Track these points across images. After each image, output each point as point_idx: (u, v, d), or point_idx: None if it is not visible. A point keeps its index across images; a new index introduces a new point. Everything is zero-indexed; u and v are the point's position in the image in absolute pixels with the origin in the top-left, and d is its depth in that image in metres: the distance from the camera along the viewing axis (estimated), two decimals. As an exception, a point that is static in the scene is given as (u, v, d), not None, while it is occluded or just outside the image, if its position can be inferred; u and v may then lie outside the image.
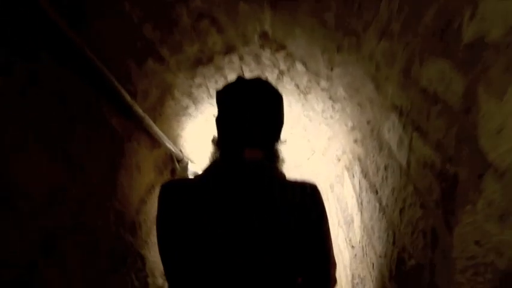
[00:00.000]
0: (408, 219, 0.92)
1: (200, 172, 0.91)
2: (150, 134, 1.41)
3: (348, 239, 1.81)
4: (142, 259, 1.33)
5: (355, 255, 1.60)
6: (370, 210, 1.29)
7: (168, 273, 0.86)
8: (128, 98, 1.17)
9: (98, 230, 1.04)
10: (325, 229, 0.88)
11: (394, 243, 1.04)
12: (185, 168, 1.66)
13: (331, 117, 1.70)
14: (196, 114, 1.74)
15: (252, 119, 0.85)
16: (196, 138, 1.99)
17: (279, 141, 0.94)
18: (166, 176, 1.64)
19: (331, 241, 0.90)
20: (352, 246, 1.69)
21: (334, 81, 1.39)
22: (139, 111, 1.25)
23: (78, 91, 0.96)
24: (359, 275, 1.50)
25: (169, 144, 1.58)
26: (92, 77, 0.98)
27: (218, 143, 0.90)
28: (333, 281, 0.89)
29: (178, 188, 0.85)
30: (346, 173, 1.86)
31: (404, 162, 0.95)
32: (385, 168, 1.12)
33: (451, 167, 0.66)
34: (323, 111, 1.71)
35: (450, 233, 0.66)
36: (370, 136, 1.29)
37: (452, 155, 0.66)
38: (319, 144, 2.20)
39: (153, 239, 1.46)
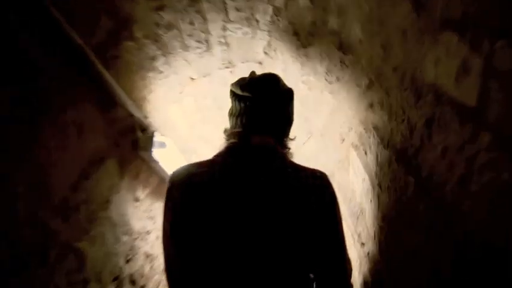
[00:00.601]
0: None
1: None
2: (100, 87, 1.03)
3: (355, 235, 1.45)
4: (79, 255, 0.94)
5: (368, 253, 1.24)
6: (398, 191, 0.94)
7: (178, 270, 0.86)
8: (62, 21, 0.80)
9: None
10: (338, 216, 0.89)
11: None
12: (150, 140, 1.28)
13: (338, 79, 1.35)
14: (168, 73, 1.37)
15: (262, 111, 0.89)
16: (169, 107, 1.61)
17: (288, 137, 0.99)
18: (125, 149, 1.26)
19: (343, 233, 0.92)
20: (362, 244, 1.33)
21: (348, 16, 1.04)
22: (81, 44, 0.87)
23: None
24: (374, 281, 1.15)
25: (130, 107, 1.20)
26: None
27: (229, 133, 0.93)
28: (349, 274, 0.91)
29: (189, 179, 0.84)
30: (353, 153, 1.51)
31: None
32: (428, 122, 0.78)
33: None
34: (328, 71, 1.36)
35: None
36: (398, 87, 0.95)
37: None
38: (318, 123, 1.85)
39: (101, 227, 1.07)
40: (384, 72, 1.04)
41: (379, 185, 1.12)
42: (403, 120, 0.93)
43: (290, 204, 0.81)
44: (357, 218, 1.42)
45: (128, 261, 1.26)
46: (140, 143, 1.28)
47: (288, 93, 0.94)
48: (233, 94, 0.92)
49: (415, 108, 0.85)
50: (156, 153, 1.33)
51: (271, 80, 0.92)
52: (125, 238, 1.24)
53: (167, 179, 1.67)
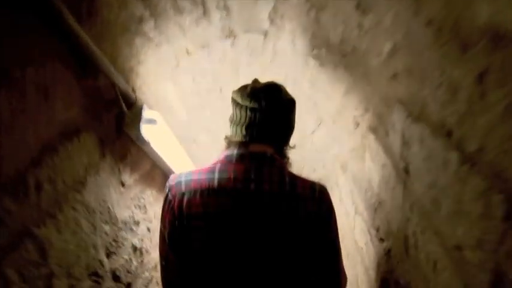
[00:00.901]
0: None
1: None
2: (75, 48, 0.87)
3: (372, 230, 1.26)
4: (40, 244, 0.77)
5: (389, 250, 1.06)
6: (434, 172, 0.75)
7: (176, 276, 0.90)
8: None
9: None
10: (335, 228, 0.91)
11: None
12: (137, 115, 1.11)
13: (354, 49, 1.16)
14: (160, 41, 1.20)
15: (265, 122, 0.89)
16: (163, 85, 1.44)
17: (288, 146, 0.99)
18: (109, 125, 1.09)
19: (339, 245, 0.92)
20: (381, 239, 1.15)
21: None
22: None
23: None
24: (398, 281, 0.96)
25: (114, 77, 1.03)
26: None
27: (229, 141, 0.95)
28: (343, 286, 0.93)
29: (187, 187, 0.85)
30: (370, 138, 1.32)
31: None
32: (481, 77, 0.59)
33: None
34: (343, 40, 1.18)
35: None
36: (433, 44, 0.76)
37: None
38: (330, 107, 1.66)
39: (73, 213, 0.91)
40: (414, 29, 0.85)
41: (406, 169, 0.93)
42: (440, 84, 0.74)
43: (286, 215, 0.83)
44: (375, 210, 1.23)
45: (109, 254, 1.09)
46: (126, 119, 1.12)
47: (291, 103, 0.94)
48: (236, 103, 0.92)
49: (459, 64, 0.67)
50: (146, 132, 1.16)
51: (275, 91, 0.91)
52: (106, 227, 1.08)
53: (161, 165, 1.52)
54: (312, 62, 1.41)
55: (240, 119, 0.91)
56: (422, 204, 0.82)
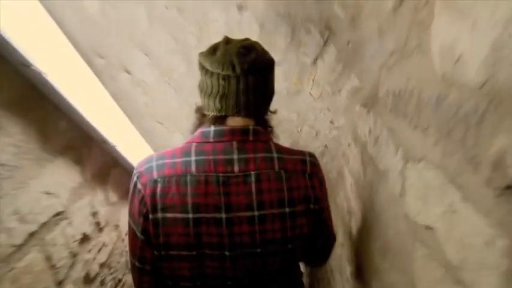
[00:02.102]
0: None
1: None
2: None
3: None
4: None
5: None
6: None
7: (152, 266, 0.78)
8: None
9: None
10: (327, 196, 0.89)
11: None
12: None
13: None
14: None
15: (243, 90, 0.77)
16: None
17: (269, 112, 0.89)
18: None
19: (331, 213, 0.93)
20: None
21: None
22: None
23: None
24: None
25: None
26: None
27: (202, 113, 0.84)
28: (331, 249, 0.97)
29: (160, 172, 0.74)
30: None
31: None
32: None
33: None
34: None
35: None
36: None
37: None
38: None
39: None
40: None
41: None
42: None
43: (277, 196, 0.77)
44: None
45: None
46: None
47: (270, 65, 0.81)
48: (205, 70, 0.78)
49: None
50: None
51: (250, 51, 0.77)
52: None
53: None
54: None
55: (212, 88, 0.78)
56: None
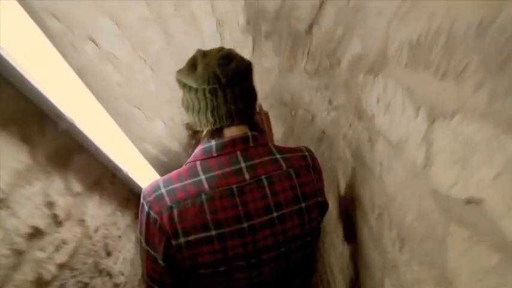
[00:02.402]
0: None
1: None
2: None
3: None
4: None
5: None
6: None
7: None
8: None
9: None
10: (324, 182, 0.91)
11: None
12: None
13: None
14: None
15: (227, 98, 0.77)
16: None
17: (255, 112, 0.89)
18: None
19: None
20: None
21: None
22: None
23: None
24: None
25: None
26: None
27: (193, 130, 0.91)
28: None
29: (172, 197, 0.73)
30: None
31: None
32: None
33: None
34: None
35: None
36: None
37: None
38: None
39: None
40: None
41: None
42: None
43: (291, 193, 0.79)
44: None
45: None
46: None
47: (250, 68, 0.83)
48: (188, 87, 0.78)
49: None
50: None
51: (231, 60, 0.78)
52: None
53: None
54: None
55: (200, 104, 0.78)
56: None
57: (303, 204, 0.79)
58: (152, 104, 1.55)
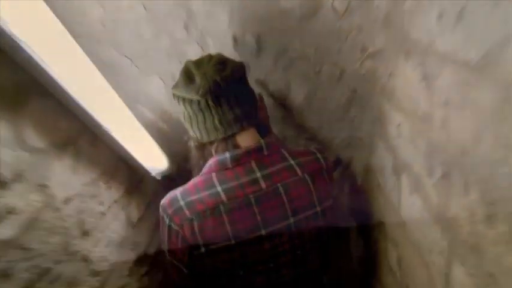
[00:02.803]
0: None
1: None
2: None
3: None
4: None
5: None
6: None
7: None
8: None
9: None
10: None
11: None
12: None
13: None
14: None
15: (230, 104, 0.78)
16: None
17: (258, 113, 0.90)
18: None
19: None
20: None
21: None
22: None
23: None
24: None
25: None
26: None
27: (201, 143, 0.86)
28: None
29: (192, 210, 0.78)
30: None
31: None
32: None
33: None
34: None
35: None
36: None
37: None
38: None
39: None
40: None
41: None
42: None
43: (308, 199, 0.80)
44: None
45: None
46: None
47: (244, 68, 0.83)
48: (189, 101, 0.77)
49: None
50: None
51: (226, 64, 0.79)
52: None
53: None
54: None
55: (205, 116, 0.77)
56: None
57: (318, 208, 0.81)
58: (147, 55, 1.27)
